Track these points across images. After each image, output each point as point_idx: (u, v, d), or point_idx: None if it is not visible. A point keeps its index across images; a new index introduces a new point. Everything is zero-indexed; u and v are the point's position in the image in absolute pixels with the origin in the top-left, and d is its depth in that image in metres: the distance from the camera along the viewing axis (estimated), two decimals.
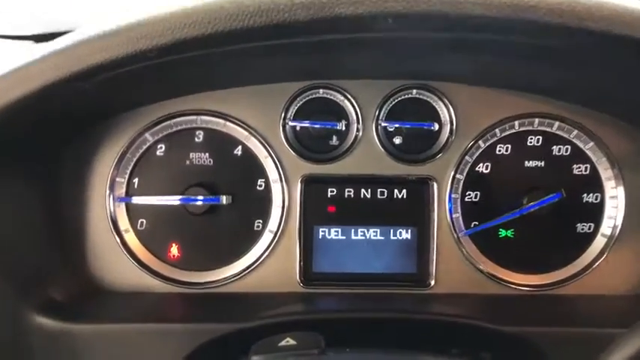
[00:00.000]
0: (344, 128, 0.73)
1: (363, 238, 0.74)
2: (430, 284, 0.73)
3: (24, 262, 0.63)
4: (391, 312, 0.68)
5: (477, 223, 0.73)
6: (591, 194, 0.73)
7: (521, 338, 0.61)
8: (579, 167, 0.73)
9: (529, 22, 0.45)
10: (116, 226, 0.72)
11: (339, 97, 0.72)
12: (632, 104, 0.68)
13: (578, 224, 0.73)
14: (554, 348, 0.60)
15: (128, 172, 0.72)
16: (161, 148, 0.73)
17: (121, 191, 0.72)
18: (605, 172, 0.72)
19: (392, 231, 0.74)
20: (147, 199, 0.72)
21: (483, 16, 0.45)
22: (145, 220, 0.73)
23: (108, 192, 0.72)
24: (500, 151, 0.73)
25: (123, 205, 0.72)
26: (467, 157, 0.72)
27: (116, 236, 0.72)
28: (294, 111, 0.72)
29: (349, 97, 0.72)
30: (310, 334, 0.50)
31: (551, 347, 0.60)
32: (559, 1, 0.45)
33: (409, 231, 0.74)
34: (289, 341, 0.48)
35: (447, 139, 0.72)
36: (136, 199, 0.72)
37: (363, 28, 0.45)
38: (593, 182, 0.72)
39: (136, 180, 0.72)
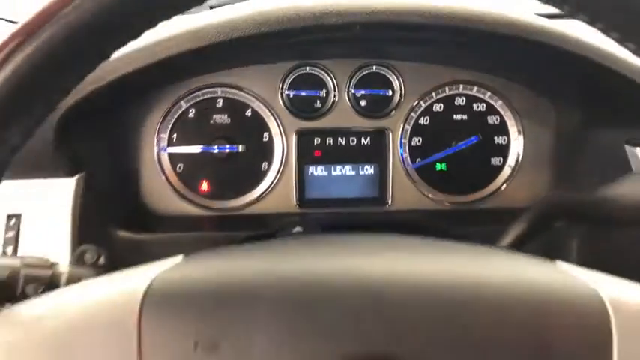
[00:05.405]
0: (325, 95, 1.01)
1: (340, 173, 1.03)
2: (388, 203, 1.03)
3: (108, 196, 0.91)
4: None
5: (420, 159, 1.03)
6: (501, 137, 1.02)
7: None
8: (492, 118, 1.02)
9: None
10: (162, 168, 1.00)
11: (321, 73, 1.00)
12: (528, 75, 0.97)
13: (492, 159, 1.03)
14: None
15: (169, 129, 1.00)
16: (192, 111, 1.00)
17: (164, 144, 1.00)
18: (510, 122, 1.01)
19: (360, 167, 1.03)
20: (183, 148, 1.00)
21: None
22: (182, 164, 1.01)
23: (155, 144, 0.99)
24: (435, 108, 1.02)
25: (166, 154, 1.00)
26: (412, 114, 1.01)
27: (162, 175, 1.00)
28: (289, 83, 1.00)
29: (327, 71, 1.00)
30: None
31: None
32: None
33: (372, 167, 1.03)
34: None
35: (398, 101, 1.01)
36: (175, 149, 1.00)
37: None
38: (502, 129, 1.02)
39: (174, 135, 1.00)
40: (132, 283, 0.43)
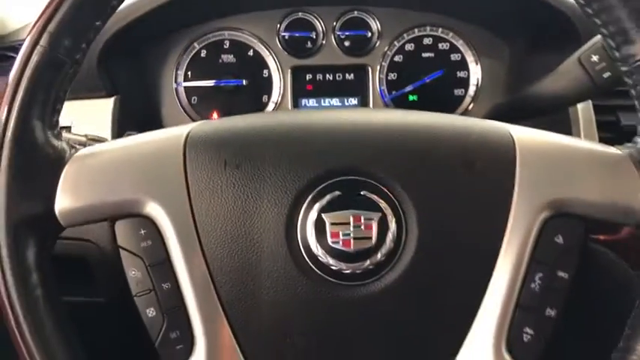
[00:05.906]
0: (315, 37, 1.20)
1: (329, 105, 1.22)
2: None
3: (136, 118, 1.10)
4: None
5: (395, 91, 1.22)
6: (462, 71, 1.22)
7: None
8: (454, 55, 1.22)
9: None
10: (179, 99, 1.19)
11: (311, 17, 1.20)
12: (484, 17, 1.17)
13: (455, 90, 1.22)
14: None
15: (184, 66, 1.18)
16: (203, 52, 1.19)
17: (181, 79, 1.18)
18: (469, 58, 1.21)
19: (345, 99, 1.22)
20: (196, 83, 1.19)
21: None
22: (196, 97, 1.20)
23: (173, 79, 1.18)
24: (407, 47, 1.21)
25: (182, 87, 1.19)
26: (388, 52, 1.21)
27: (179, 105, 1.19)
28: (284, 26, 1.19)
29: (316, 16, 1.20)
30: None
31: None
32: None
33: (356, 99, 1.23)
34: None
35: (376, 41, 1.21)
36: (190, 84, 1.19)
37: None
38: (463, 64, 1.22)
39: (189, 72, 1.19)
40: (175, 130, 0.63)
